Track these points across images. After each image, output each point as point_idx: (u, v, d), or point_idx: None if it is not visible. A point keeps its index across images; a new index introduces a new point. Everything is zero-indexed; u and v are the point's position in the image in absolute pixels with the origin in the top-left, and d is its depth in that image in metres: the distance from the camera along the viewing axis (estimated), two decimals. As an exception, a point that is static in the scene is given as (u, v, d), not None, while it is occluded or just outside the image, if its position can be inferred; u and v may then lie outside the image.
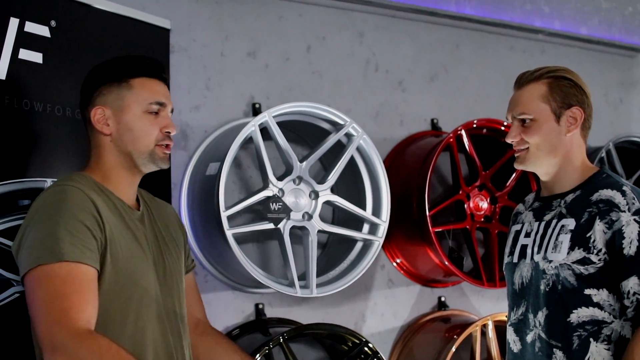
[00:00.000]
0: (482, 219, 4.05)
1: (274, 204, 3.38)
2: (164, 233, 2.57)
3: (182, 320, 2.50)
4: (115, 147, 2.44)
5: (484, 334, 3.88)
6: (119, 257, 2.30)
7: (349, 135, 3.56)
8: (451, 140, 3.91)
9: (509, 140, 2.78)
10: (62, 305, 2.13)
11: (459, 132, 3.92)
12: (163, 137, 2.44)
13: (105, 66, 2.50)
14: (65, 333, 2.10)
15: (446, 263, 3.83)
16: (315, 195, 3.50)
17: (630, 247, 2.54)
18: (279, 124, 3.40)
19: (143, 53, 3.10)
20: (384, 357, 3.63)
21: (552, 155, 2.74)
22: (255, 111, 3.75)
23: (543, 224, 2.77)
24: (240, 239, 3.59)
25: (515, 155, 2.80)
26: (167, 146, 2.46)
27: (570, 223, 2.66)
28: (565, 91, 2.72)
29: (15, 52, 2.70)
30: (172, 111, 2.51)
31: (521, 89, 2.78)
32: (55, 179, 2.76)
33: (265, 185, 3.40)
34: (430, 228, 3.77)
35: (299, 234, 3.58)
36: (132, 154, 2.43)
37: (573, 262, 2.61)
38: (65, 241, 2.18)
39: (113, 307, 2.28)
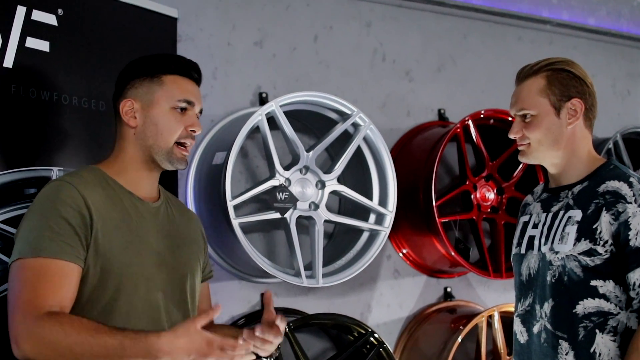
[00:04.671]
0: (489, 210, 4.05)
1: (281, 193, 3.38)
2: (183, 234, 2.58)
3: (187, 311, 2.50)
4: (137, 141, 2.46)
5: (489, 324, 3.88)
6: (112, 249, 2.32)
7: (355, 125, 3.56)
8: (458, 130, 3.90)
9: (511, 136, 2.79)
10: (29, 296, 2.18)
11: (466, 122, 3.92)
12: (186, 135, 2.47)
13: (140, 61, 2.53)
14: (28, 321, 2.15)
15: (452, 254, 3.83)
16: (321, 185, 3.50)
17: (636, 238, 2.53)
18: (286, 113, 3.40)
19: (150, 42, 3.12)
20: (389, 348, 3.63)
21: (555, 149, 2.73)
22: (262, 101, 3.75)
23: (550, 215, 2.76)
24: (247, 229, 3.59)
25: (518, 149, 2.80)
26: (185, 147, 2.48)
27: (577, 214, 2.66)
28: (564, 83, 2.72)
29: (22, 41, 2.71)
30: (200, 112, 2.54)
31: (521, 84, 2.78)
32: (61, 168, 2.77)
33: (271, 175, 3.40)
34: (437, 218, 3.77)
35: (305, 223, 3.58)
36: (152, 149, 2.45)
37: (579, 254, 2.61)
38: (45, 237, 2.23)
39: (104, 297, 2.30)
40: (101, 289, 2.30)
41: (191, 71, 2.53)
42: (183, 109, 2.47)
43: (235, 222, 3.25)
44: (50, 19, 2.80)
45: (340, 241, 3.83)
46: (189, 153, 2.52)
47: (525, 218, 2.90)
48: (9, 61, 2.66)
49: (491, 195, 4.05)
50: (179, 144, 2.47)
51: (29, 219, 2.29)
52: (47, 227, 2.24)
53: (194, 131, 2.48)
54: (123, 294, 2.32)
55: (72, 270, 2.25)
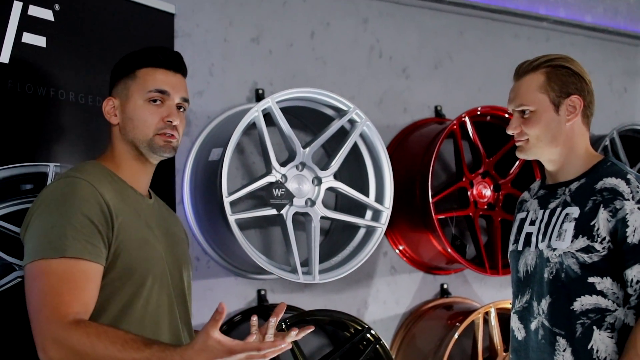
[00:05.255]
0: (485, 207, 4.05)
1: (277, 190, 3.37)
2: (175, 232, 2.59)
3: (187, 307, 2.52)
4: (121, 137, 2.46)
5: (486, 321, 3.88)
6: (131, 244, 2.31)
7: (352, 122, 3.55)
8: (455, 127, 3.90)
9: (509, 132, 2.78)
10: (54, 302, 2.15)
11: (462, 119, 3.91)
12: (164, 126, 2.42)
13: (121, 59, 2.52)
14: (54, 328, 2.13)
15: (449, 250, 3.83)
16: (318, 181, 3.50)
17: (634, 235, 2.53)
18: (283, 109, 3.40)
19: (147, 38, 3.11)
20: (386, 344, 3.63)
21: (553, 145, 2.73)
22: (259, 97, 3.75)
23: (548, 212, 2.76)
24: (243, 225, 3.59)
25: (516, 145, 2.80)
26: (170, 135, 2.43)
27: (574, 211, 2.66)
28: (564, 80, 2.72)
29: (18, 36, 2.70)
30: (185, 101, 2.48)
31: (520, 80, 2.77)
32: (58, 164, 2.76)
33: (268, 171, 3.39)
34: (434, 215, 3.77)
35: (301, 220, 3.57)
36: (134, 143, 2.44)
37: (577, 251, 2.61)
38: (68, 236, 2.20)
39: (124, 293, 2.29)
40: (121, 286, 2.29)
41: (167, 61, 2.48)
42: (158, 100, 2.43)
43: (232, 218, 3.24)
44: (46, 14, 2.79)
45: (336, 238, 3.83)
46: (176, 139, 2.45)
47: (522, 215, 2.90)
48: (5, 56, 2.65)
49: (488, 192, 4.05)
50: (159, 134, 2.43)
51: (45, 217, 2.24)
52: (69, 225, 2.20)
53: (171, 121, 2.43)
54: (143, 290, 2.32)
55: (95, 270, 2.23)
